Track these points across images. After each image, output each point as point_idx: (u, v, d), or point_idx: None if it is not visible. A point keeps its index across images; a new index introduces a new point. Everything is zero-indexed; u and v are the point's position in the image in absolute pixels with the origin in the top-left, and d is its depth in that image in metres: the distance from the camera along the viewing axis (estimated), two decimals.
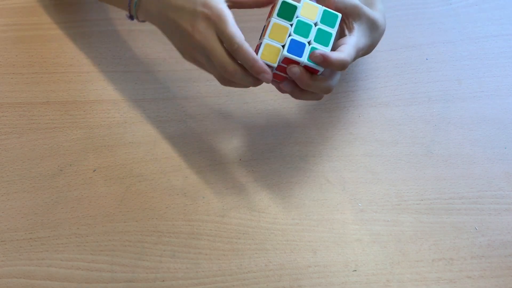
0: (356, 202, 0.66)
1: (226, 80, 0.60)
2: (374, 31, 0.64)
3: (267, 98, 0.72)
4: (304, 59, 0.57)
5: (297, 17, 0.58)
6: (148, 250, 0.62)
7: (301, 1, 0.58)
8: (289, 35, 0.58)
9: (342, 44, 0.59)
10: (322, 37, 0.58)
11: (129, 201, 0.65)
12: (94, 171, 0.67)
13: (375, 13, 0.64)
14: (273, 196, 0.66)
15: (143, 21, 0.65)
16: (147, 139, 0.69)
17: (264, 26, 0.60)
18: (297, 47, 0.57)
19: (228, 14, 0.56)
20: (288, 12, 0.58)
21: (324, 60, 0.56)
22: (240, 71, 0.57)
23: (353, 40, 0.60)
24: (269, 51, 0.57)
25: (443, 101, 0.75)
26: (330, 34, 0.59)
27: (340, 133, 0.71)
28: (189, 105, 0.72)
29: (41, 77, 0.73)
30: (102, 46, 0.77)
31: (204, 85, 0.73)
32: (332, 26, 0.59)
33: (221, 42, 0.57)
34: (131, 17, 0.65)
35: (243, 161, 0.68)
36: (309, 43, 0.58)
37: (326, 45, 0.58)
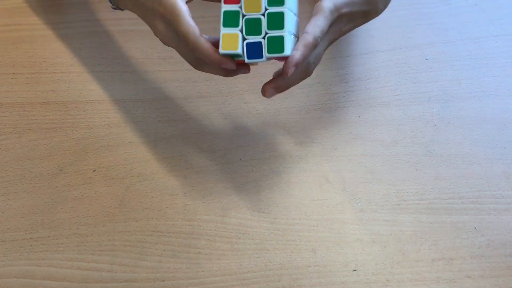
0: (356, 202, 0.66)
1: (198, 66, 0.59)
2: None
3: (267, 98, 0.72)
4: (264, 58, 0.54)
5: (243, 16, 0.54)
6: (148, 250, 0.62)
7: None
8: (243, 39, 0.54)
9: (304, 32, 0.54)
10: (274, 21, 0.53)
11: (129, 201, 0.65)
12: (94, 171, 0.67)
13: None
14: (273, 196, 0.66)
15: (122, 9, 0.66)
16: (147, 139, 0.69)
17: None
18: (255, 48, 0.53)
19: (180, 10, 0.54)
20: (233, 18, 0.54)
21: (277, 87, 0.56)
22: (203, 63, 0.57)
23: (315, 22, 0.55)
24: (228, 40, 0.54)
25: (442, 101, 0.75)
26: (281, 13, 0.53)
27: (340, 133, 0.71)
28: (189, 105, 0.72)
29: (41, 77, 0.73)
30: (102, 46, 0.77)
31: (204, 85, 0.73)
32: (281, 4, 0.53)
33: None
34: (114, 8, 0.66)
35: (243, 161, 0.68)
36: (264, 37, 0.53)
37: (281, 28, 0.53)
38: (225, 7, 0.55)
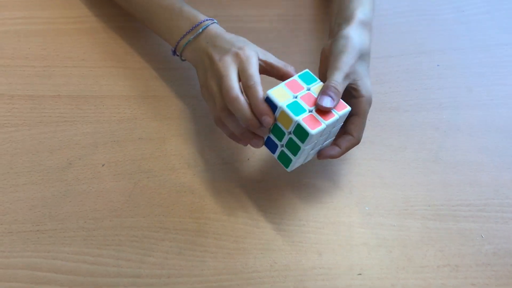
0: (363, 206, 0.66)
1: (220, 120, 0.61)
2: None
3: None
4: (275, 156, 0.61)
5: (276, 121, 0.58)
6: (154, 246, 0.62)
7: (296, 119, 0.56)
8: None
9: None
10: (292, 146, 0.58)
11: (137, 197, 0.65)
12: (103, 165, 0.67)
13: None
14: (280, 197, 0.66)
15: (184, 60, 0.69)
16: (157, 136, 0.69)
17: None
18: (272, 144, 0.61)
19: (255, 62, 0.60)
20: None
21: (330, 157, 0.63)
22: (240, 100, 0.57)
23: (361, 125, 0.63)
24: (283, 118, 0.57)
25: (452, 108, 0.75)
26: (299, 146, 0.57)
27: None
28: (200, 103, 0.72)
29: (53, 70, 0.73)
30: (115, 41, 0.77)
31: None
32: (302, 142, 0.57)
33: (238, 77, 0.59)
34: (174, 53, 0.69)
35: (251, 161, 0.69)
36: (281, 146, 0.60)
37: (294, 154, 0.59)
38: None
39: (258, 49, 0.62)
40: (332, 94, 0.57)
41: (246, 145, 0.63)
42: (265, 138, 0.60)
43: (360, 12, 0.67)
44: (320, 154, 0.62)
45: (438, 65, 0.79)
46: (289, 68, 0.62)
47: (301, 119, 0.55)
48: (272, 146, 0.61)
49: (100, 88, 0.73)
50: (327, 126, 0.56)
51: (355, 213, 0.66)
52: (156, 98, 0.73)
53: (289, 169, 0.61)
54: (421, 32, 0.83)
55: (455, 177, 0.69)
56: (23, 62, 0.74)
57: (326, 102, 0.56)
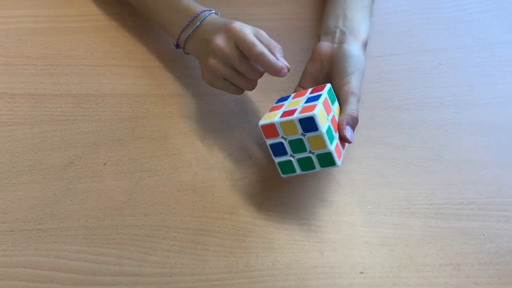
0: (365, 205, 0.66)
1: (251, 82, 0.65)
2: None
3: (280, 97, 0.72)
4: (277, 160, 0.62)
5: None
6: (156, 245, 0.62)
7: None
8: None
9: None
10: (305, 163, 0.60)
11: (138, 196, 0.65)
12: (104, 164, 0.67)
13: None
14: (282, 196, 0.66)
15: (187, 53, 0.70)
16: (158, 135, 0.69)
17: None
18: (280, 149, 0.61)
19: (249, 30, 0.62)
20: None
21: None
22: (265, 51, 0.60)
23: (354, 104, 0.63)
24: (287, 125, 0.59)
25: (455, 107, 0.75)
26: (314, 167, 0.60)
27: None
28: (201, 102, 0.72)
29: (54, 69, 0.73)
30: (117, 40, 0.77)
31: None
32: (322, 166, 0.59)
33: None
34: (177, 46, 0.70)
35: (252, 159, 0.68)
36: (291, 155, 0.61)
37: (302, 170, 0.61)
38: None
39: (250, 26, 0.64)
40: (354, 125, 0.62)
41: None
42: (273, 142, 0.61)
43: (364, 31, 0.71)
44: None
45: (440, 64, 0.79)
46: (277, 50, 0.63)
47: (333, 149, 0.58)
48: (279, 151, 0.61)
49: (101, 87, 0.73)
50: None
51: (357, 211, 0.66)
52: (157, 96, 0.72)
53: (284, 176, 0.62)
54: (424, 30, 0.83)
55: (457, 175, 0.69)
56: (25, 61, 0.74)
57: (351, 136, 0.61)
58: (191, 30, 0.66)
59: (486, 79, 0.78)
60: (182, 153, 0.68)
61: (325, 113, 0.58)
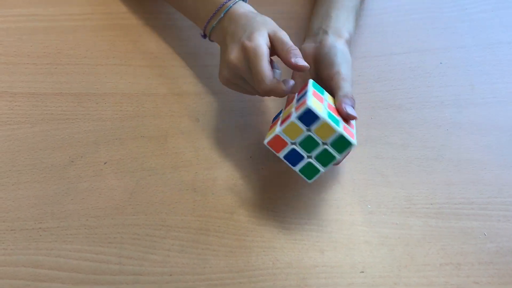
0: (365, 204, 0.66)
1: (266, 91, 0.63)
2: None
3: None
4: (297, 170, 0.60)
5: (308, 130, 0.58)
6: (156, 244, 0.62)
7: (321, 119, 0.56)
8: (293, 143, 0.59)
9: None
10: (325, 157, 0.59)
11: (139, 195, 0.65)
12: (105, 163, 0.67)
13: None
14: (282, 195, 0.66)
15: (212, 41, 0.70)
16: (159, 134, 0.69)
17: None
18: (295, 157, 0.59)
19: (263, 52, 0.60)
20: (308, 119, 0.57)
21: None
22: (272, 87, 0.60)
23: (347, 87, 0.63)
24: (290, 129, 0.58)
25: (455, 106, 0.75)
26: (333, 157, 0.58)
27: None
28: (202, 101, 0.72)
29: (55, 68, 0.73)
30: (117, 39, 0.77)
31: (217, 81, 0.73)
32: (339, 152, 0.58)
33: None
34: (204, 36, 0.71)
35: (253, 159, 0.68)
36: (308, 156, 0.59)
37: (324, 165, 0.59)
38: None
39: (271, 27, 0.64)
40: (353, 103, 0.61)
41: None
42: (288, 151, 0.59)
43: (347, 31, 0.71)
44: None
45: (441, 63, 0.79)
46: (292, 54, 0.62)
47: (343, 130, 0.57)
48: (294, 159, 0.59)
49: (102, 86, 0.73)
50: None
51: (357, 211, 0.66)
52: (158, 96, 0.72)
53: (311, 181, 0.60)
54: (424, 30, 0.83)
55: (457, 175, 0.69)
56: (25, 60, 0.74)
57: (352, 111, 0.60)
58: (215, 22, 0.66)
59: (487, 78, 0.78)
60: (182, 152, 0.68)
61: (318, 102, 0.58)
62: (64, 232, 0.62)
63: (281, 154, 0.59)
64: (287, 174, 0.67)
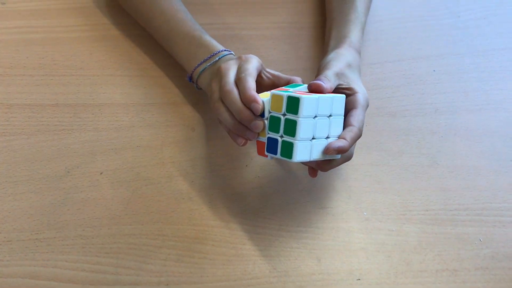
0: (361, 211, 0.66)
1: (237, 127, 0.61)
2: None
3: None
4: (278, 155, 0.56)
5: (269, 112, 0.57)
6: (153, 254, 0.62)
7: (270, 93, 0.57)
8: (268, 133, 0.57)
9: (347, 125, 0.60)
10: (289, 127, 0.55)
11: (135, 205, 0.65)
12: (101, 173, 0.67)
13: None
14: (279, 203, 0.66)
15: (200, 89, 0.70)
16: (155, 143, 0.70)
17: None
18: (273, 144, 0.57)
19: (255, 62, 0.62)
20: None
21: (321, 169, 0.61)
22: (233, 92, 0.59)
23: (358, 115, 0.61)
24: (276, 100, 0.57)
25: (449, 113, 0.75)
26: (294, 121, 0.55)
27: None
28: (198, 111, 0.73)
29: (51, 79, 0.74)
30: (113, 50, 0.77)
31: None
32: (295, 113, 0.54)
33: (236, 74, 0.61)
34: (190, 79, 0.70)
35: (249, 167, 0.69)
36: (280, 137, 0.56)
37: (292, 135, 0.55)
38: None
39: (250, 73, 0.62)
40: (323, 79, 0.60)
41: (241, 143, 0.61)
42: (266, 143, 0.57)
43: (348, 38, 0.70)
44: (327, 149, 0.56)
45: (434, 70, 0.80)
46: (297, 78, 0.64)
47: (292, 91, 0.57)
48: (273, 147, 0.57)
49: (98, 96, 0.73)
50: (320, 98, 0.55)
51: (354, 218, 0.66)
52: (154, 105, 0.73)
53: (293, 159, 0.55)
54: (418, 37, 0.83)
55: (452, 181, 0.69)
56: (21, 71, 0.74)
57: (318, 82, 0.59)
58: (208, 65, 0.66)
59: (481, 85, 0.79)
60: (178, 161, 0.68)
61: (276, 91, 0.57)
62: (61, 242, 0.62)
63: (266, 151, 0.57)
64: (283, 182, 0.67)
